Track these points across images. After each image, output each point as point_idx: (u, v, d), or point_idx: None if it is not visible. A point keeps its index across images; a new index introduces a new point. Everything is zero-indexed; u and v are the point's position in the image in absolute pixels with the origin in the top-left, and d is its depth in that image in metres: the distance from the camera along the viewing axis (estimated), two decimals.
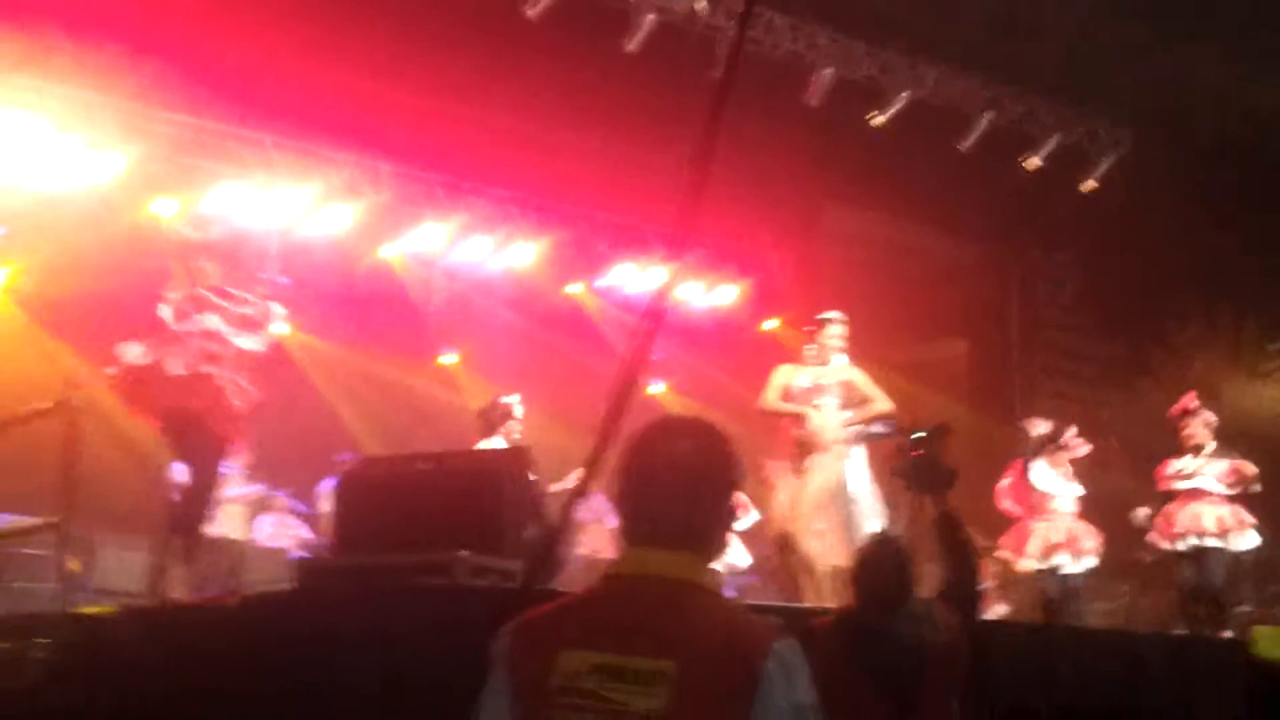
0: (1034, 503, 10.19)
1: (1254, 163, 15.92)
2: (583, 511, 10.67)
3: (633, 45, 12.43)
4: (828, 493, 8.23)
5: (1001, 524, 10.42)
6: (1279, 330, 16.60)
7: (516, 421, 9.50)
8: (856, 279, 13.43)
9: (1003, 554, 10.39)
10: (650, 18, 12.42)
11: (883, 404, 8.43)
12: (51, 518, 6.89)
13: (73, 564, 7.07)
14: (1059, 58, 15.17)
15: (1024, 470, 10.28)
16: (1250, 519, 9.96)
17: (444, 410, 13.20)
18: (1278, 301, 16.43)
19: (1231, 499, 9.96)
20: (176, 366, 6.84)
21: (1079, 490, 10.27)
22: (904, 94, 13.76)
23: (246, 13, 10.55)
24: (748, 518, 10.57)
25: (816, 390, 8.40)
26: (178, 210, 11.43)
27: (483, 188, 13.15)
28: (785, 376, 8.53)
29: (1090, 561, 10.14)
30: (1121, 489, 10.61)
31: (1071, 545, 10.04)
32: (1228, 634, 9.27)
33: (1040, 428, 10.29)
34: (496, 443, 9.19)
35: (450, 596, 4.91)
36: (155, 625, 5.64)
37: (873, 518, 8.37)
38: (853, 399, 8.43)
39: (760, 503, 9.13)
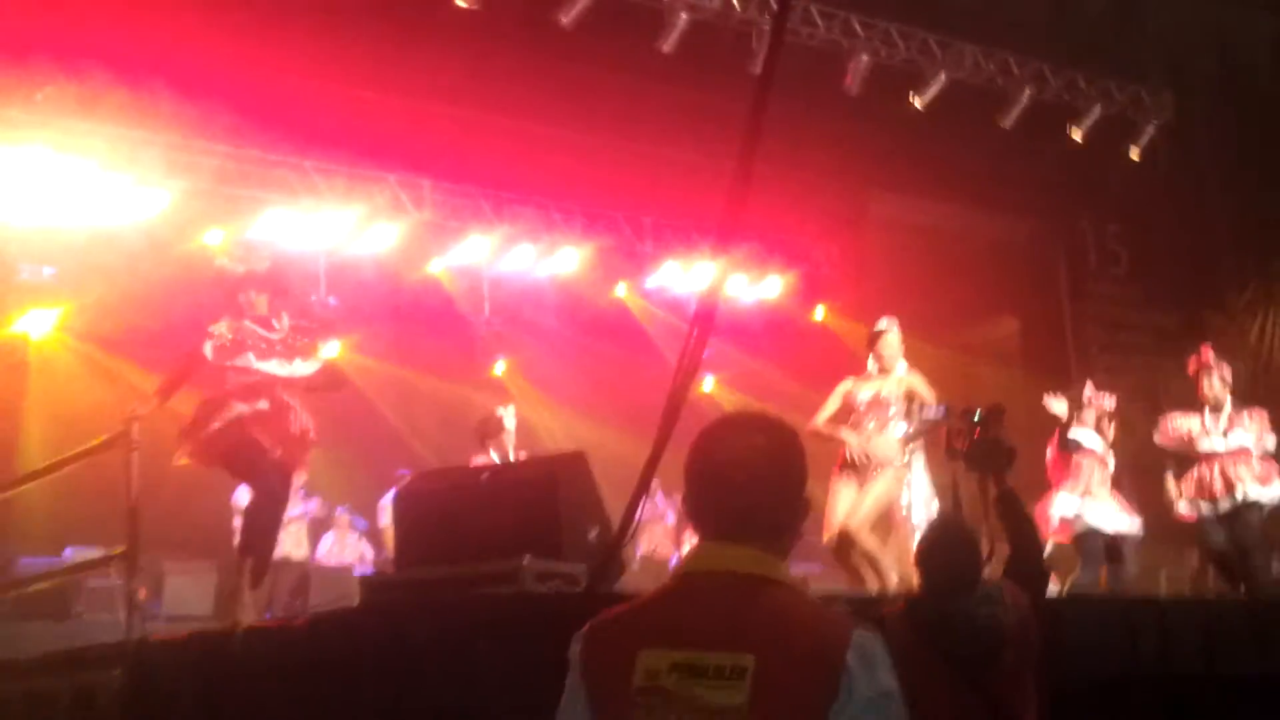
0: (1071, 474, 10.00)
1: None
2: (643, 511, 10.67)
3: (668, 45, 12.40)
4: (887, 502, 8.20)
5: None
6: None
7: (509, 433, 9.57)
8: (904, 264, 13.36)
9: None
10: (683, 16, 12.38)
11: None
12: (118, 548, 6.94)
13: (141, 592, 7.12)
14: (1096, 27, 15.03)
15: (1059, 444, 10.10)
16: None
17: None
18: None
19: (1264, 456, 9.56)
20: (214, 419, 6.96)
21: (1103, 445, 10.02)
22: (942, 75, 13.66)
23: (282, 41, 10.64)
24: None
25: (877, 405, 8.36)
26: (224, 240, 11.54)
27: (525, 197, 13.20)
28: (845, 390, 8.49)
29: (1121, 521, 9.89)
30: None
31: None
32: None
33: (1057, 405, 10.07)
34: (491, 456, 9.27)
35: (516, 604, 4.89)
36: (225, 650, 5.66)
37: (932, 508, 8.33)
38: (913, 408, 8.40)
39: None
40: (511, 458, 9.30)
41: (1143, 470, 10.68)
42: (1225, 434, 9.59)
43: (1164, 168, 15.13)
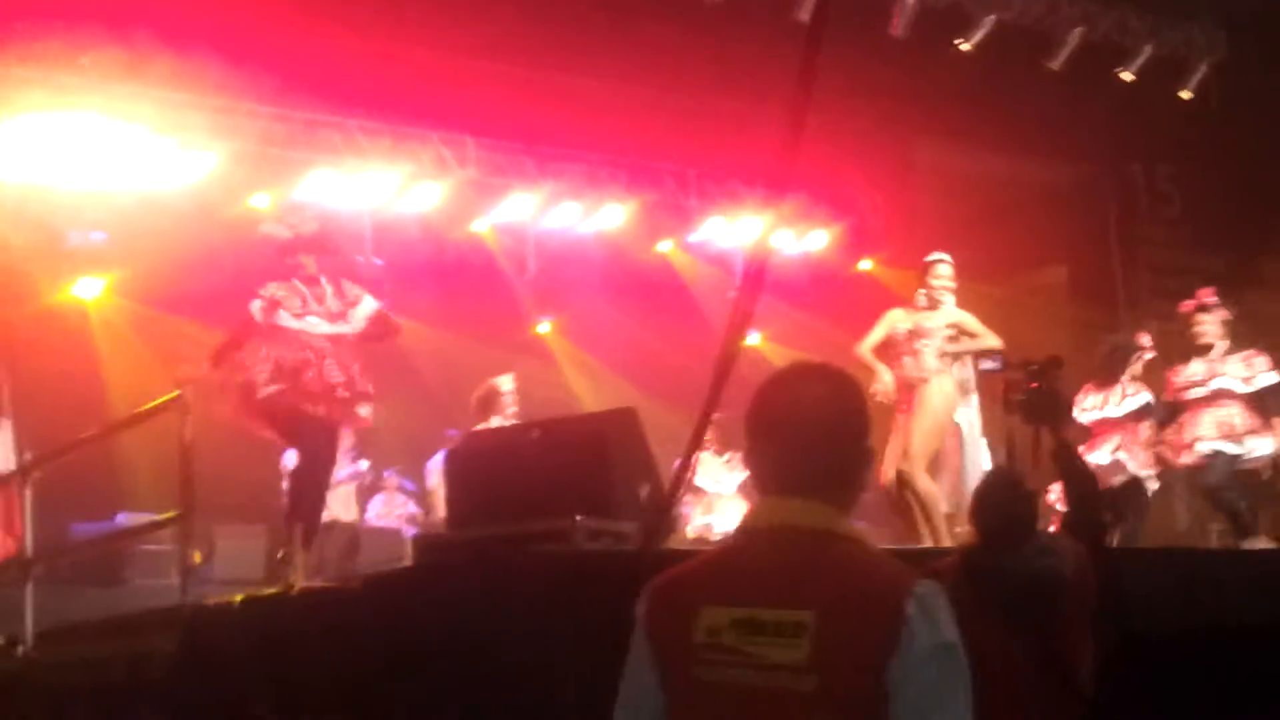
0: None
1: None
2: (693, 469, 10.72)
3: None
4: (936, 432, 8.17)
5: None
6: None
7: (509, 398, 9.59)
8: (952, 212, 13.23)
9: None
10: None
11: (991, 339, 8.34)
12: (170, 513, 7.01)
13: (195, 557, 7.20)
14: None
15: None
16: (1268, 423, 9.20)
17: (544, 380, 13.26)
18: None
19: (1250, 401, 9.23)
20: (261, 384, 6.99)
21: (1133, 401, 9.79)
22: (990, 17, 13.44)
23: (324, 1, 10.61)
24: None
25: (916, 334, 8.33)
26: (271, 204, 11.57)
27: (569, 153, 13.14)
28: (890, 321, 8.48)
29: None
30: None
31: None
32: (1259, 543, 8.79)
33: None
34: (494, 424, 9.30)
35: (568, 562, 4.90)
36: (279, 613, 5.70)
37: (986, 458, 8.30)
38: (958, 338, 8.37)
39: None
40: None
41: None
42: (1221, 378, 9.30)
43: (1216, 107, 14.86)
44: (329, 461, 7.40)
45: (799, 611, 2.23)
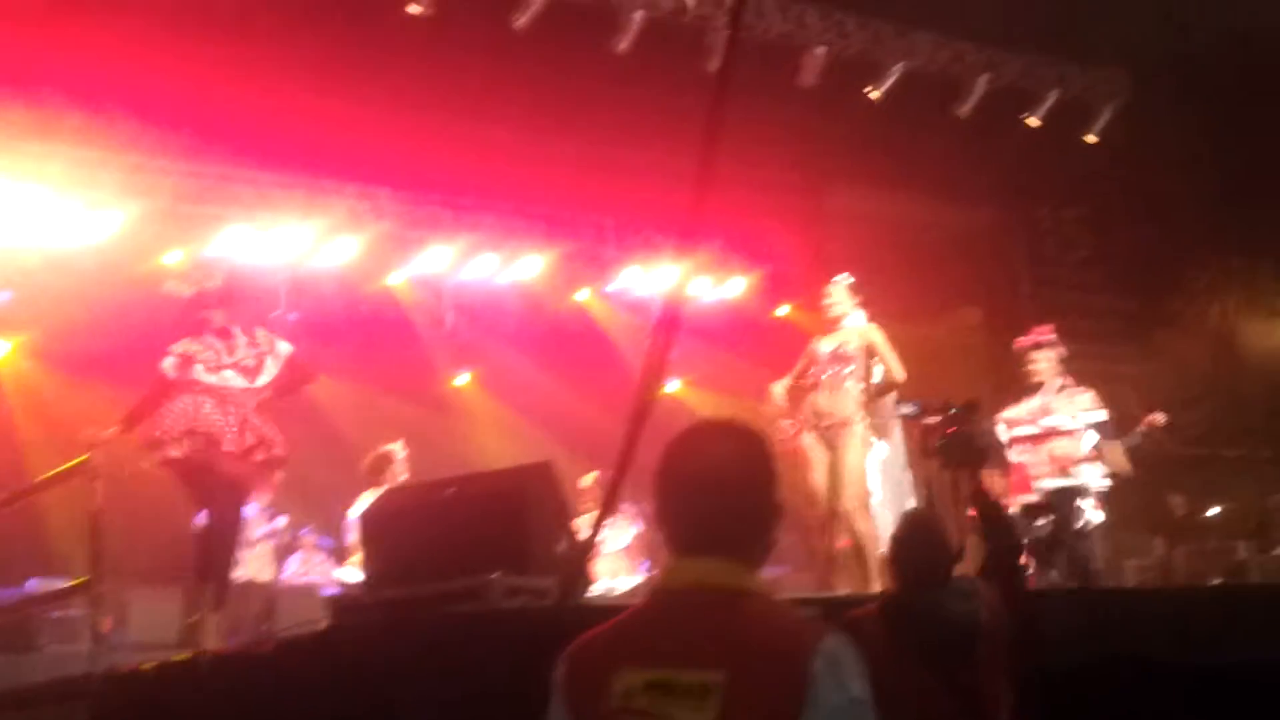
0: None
1: (1258, 95, 15.74)
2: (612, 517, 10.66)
3: (623, 46, 12.35)
4: (863, 473, 8.17)
5: None
6: None
7: (400, 466, 9.52)
8: (866, 257, 13.31)
9: None
10: (638, 15, 12.33)
11: (895, 371, 8.35)
12: (82, 578, 6.87)
13: (105, 623, 7.04)
14: (1049, 11, 15.04)
15: None
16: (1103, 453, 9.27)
17: (463, 433, 13.17)
18: None
19: (1079, 435, 9.27)
20: (174, 440, 6.91)
21: None
22: (898, 65, 13.65)
23: (236, 58, 10.54)
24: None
25: (838, 359, 8.34)
26: (183, 260, 11.42)
27: (486, 204, 13.09)
28: (810, 350, 8.49)
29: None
30: (1144, 445, 10.37)
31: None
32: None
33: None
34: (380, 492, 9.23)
35: (486, 621, 4.86)
36: (192, 677, 5.59)
37: (909, 497, 8.32)
38: (871, 364, 8.37)
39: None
40: None
41: None
42: (1038, 419, 9.38)
43: (1121, 150, 15.16)
44: (236, 523, 7.32)
45: (710, 672, 2.23)
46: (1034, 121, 14.63)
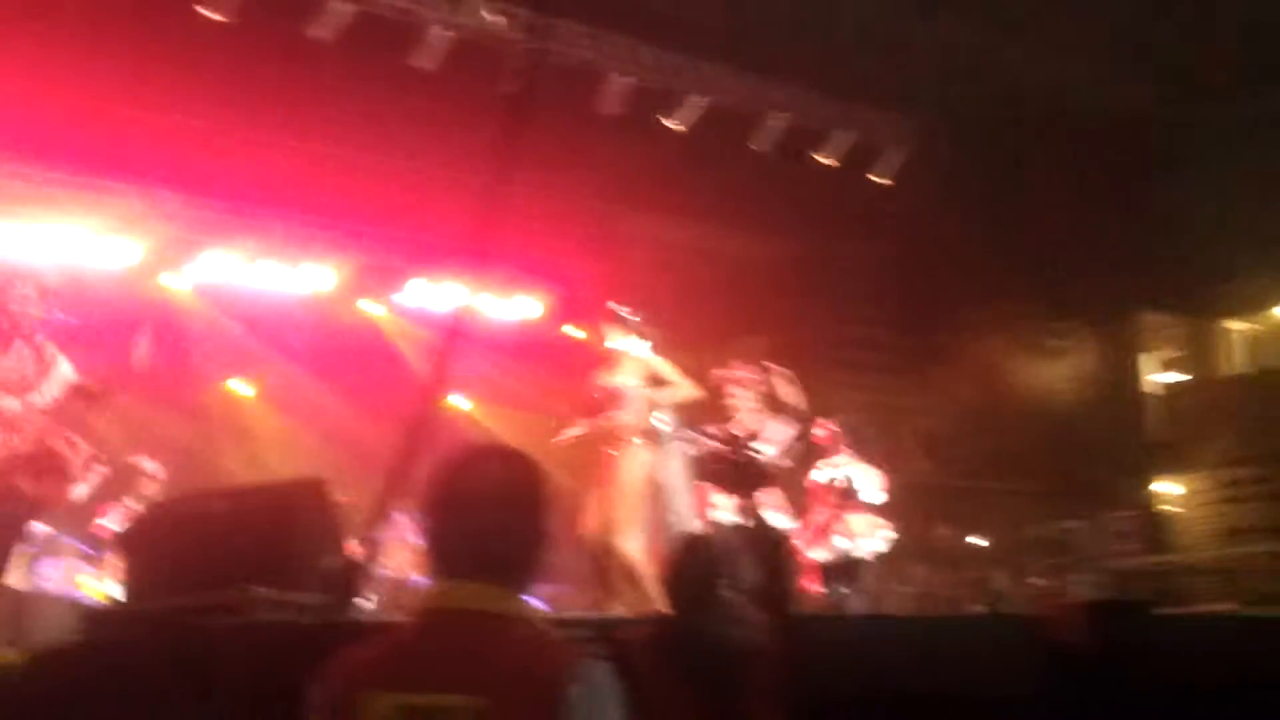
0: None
1: (1036, 147, 16.49)
2: (387, 532, 10.51)
3: (423, 62, 12.25)
4: (637, 499, 8.20)
5: None
6: (1058, 310, 17.29)
7: (150, 479, 9.32)
8: (659, 285, 13.46)
9: None
10: (441, 33, 12.25)
11: (685, 391, 8.43)
12: None
13: None
14: (847, 53, 15.48)
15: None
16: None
17: (240, 446, 12.81)
18: (1058, 283, 17.11)
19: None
20: None
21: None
22: (697, 98, 13.84)
23: (21, 51, 10.11)
24: None
25: (614, 387, 8.40)
26: None
27: (274, 211, 12.79)
28: (593, 378, 8.53)
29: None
30: (917, 476, 10.71)
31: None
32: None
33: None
34: (129, 506, 9.07)
35: (249, 635, 4.72)
36: None
37: (688, 517, 8.37)
38: (653, 391, 8.44)
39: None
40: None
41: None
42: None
43: (907, 193, 15.65)
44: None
45: (468, 697, 2.23)
46: (828, 159, 15.00)
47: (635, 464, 8.19)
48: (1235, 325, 19.59)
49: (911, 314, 16.25)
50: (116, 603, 6.70)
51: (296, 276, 13.11)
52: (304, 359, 13.50)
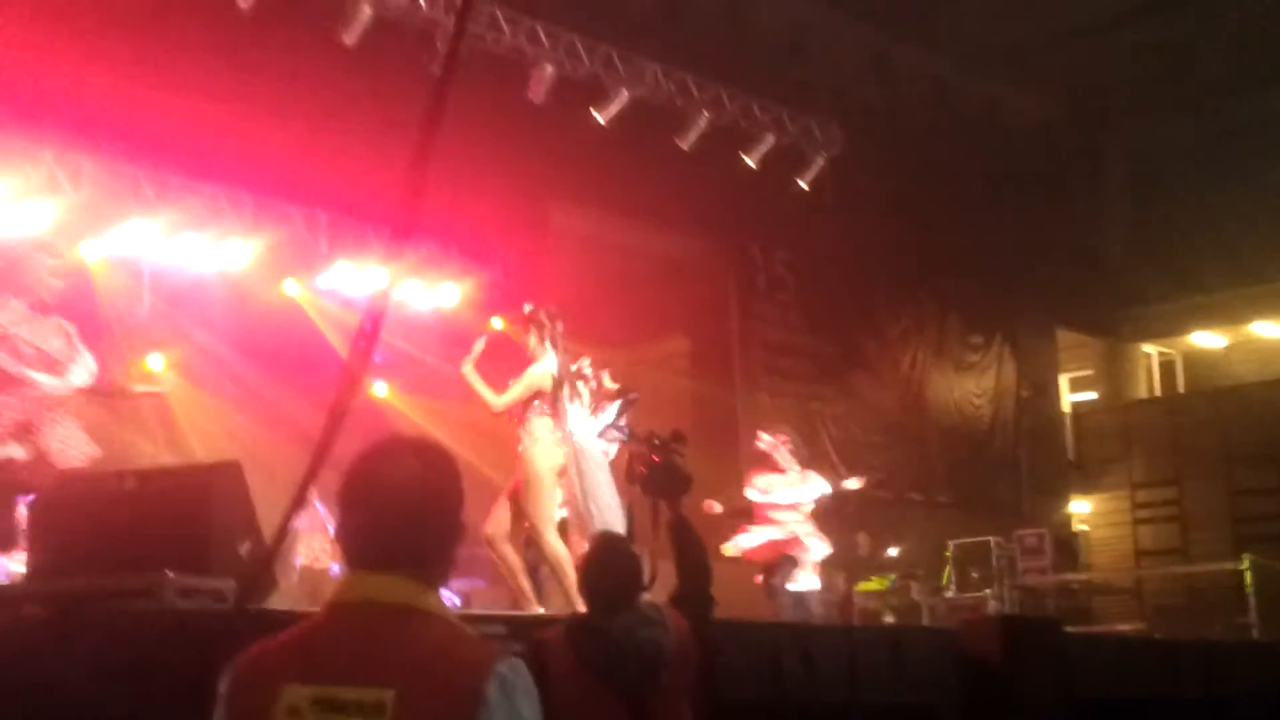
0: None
1: (958, 161, 16.69)
2: (303, 521, 10.35)
3: (350, 38, 12.12)
4: (546, 494, 8.17)
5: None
6: (977, 325, 17.51)
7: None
8: (582, 276, 13.43)
9: None
10: (367, 10, 12.13)
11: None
12: None
13: None
14: (772, 57, 15.55)
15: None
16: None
17: (149, 425, 12.54)
18: (976, 298, 17.35)
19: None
20: None
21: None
22: (624, 91, 13.82)
23: None
24: None
25: (530, 387, 8.44)
26: None
27: (193, 183, 12.52)
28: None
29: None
30: (834, 481, 10.79)
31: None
32: None
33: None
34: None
35: (158, 620, 4.62)
36: None
37: (609, 517, 8.35)
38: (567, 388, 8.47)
39: None
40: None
41: None
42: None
43: (830, 199, 15.75)
44: None
45: (379, 690, 2.21)
46: (751, 161, 15.04)
47: (542, 460, 8.17)
48: (1149, 349, 20.01)
49: (833, 321, 16.37)
50: (18, 582, 6.53)
51: (216, 252, 12.86)
52: (224, 338, 13.24)
